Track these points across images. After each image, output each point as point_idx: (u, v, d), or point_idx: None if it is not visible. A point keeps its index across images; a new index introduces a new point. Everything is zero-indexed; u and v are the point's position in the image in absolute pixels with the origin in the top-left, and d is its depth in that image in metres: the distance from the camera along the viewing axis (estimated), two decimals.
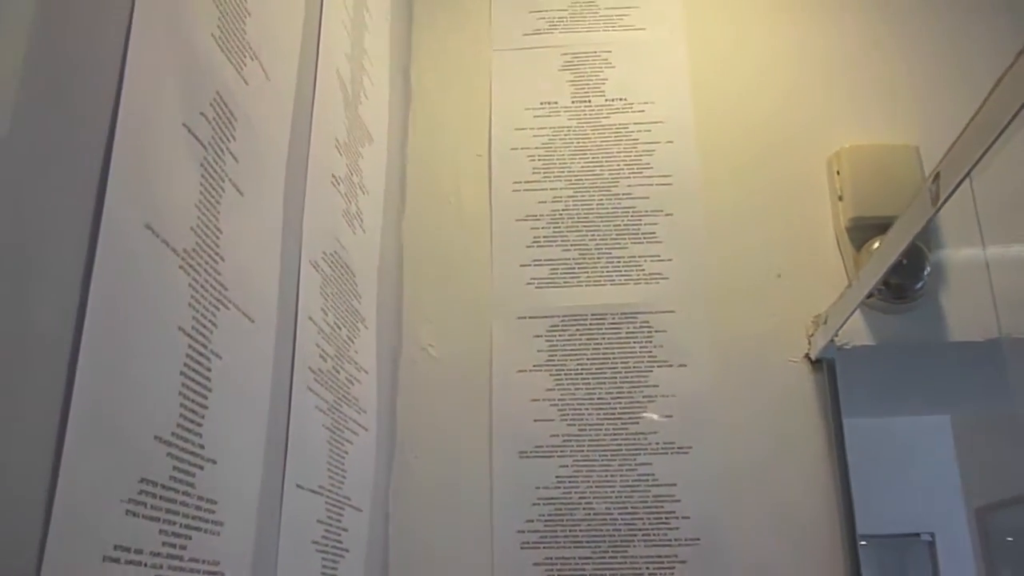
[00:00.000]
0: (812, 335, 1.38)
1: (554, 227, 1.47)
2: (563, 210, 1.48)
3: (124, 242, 0.58)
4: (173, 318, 0.65)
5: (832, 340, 1.32)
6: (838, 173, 1.46)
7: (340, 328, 1.10)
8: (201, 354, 0.69)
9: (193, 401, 0.67)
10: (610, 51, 1.58)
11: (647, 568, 1.31)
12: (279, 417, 0.88)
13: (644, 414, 1.37)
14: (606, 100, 1.55)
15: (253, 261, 0.82)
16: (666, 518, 1.33)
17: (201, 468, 0.68)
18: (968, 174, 0.75)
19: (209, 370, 0.70)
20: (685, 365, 1.40)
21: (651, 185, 1.49)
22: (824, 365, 1.38)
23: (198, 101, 0.71)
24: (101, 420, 0.55)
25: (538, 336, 1.42)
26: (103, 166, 0.57)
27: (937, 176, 0.81)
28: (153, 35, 0.64)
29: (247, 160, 0.81)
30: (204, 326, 0.70)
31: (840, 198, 1.44)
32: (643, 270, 1.44)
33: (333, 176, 1.09)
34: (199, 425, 0.68)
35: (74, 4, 0.56)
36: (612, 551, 1.32)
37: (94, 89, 0.57)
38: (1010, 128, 0.68)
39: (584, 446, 1.37)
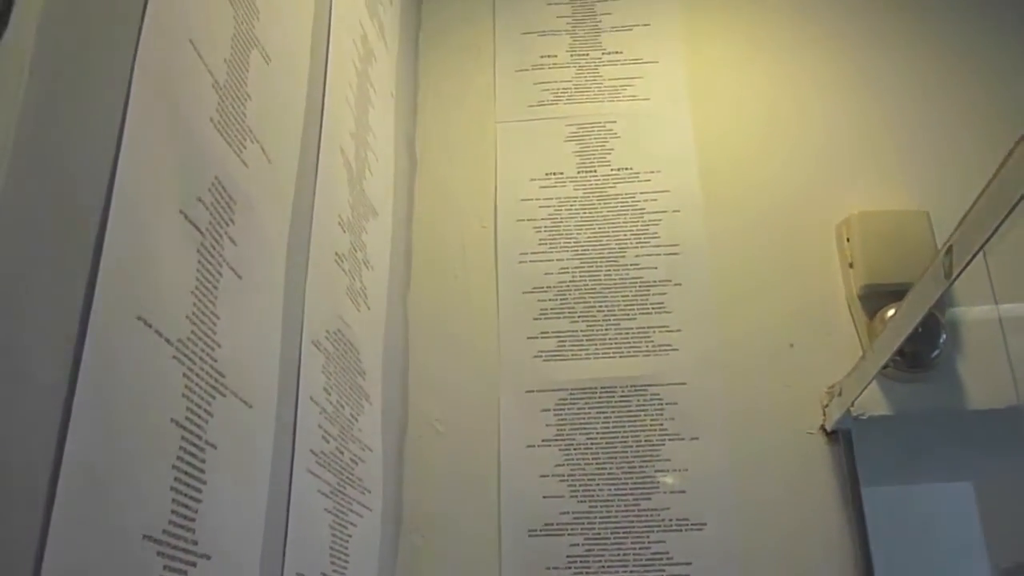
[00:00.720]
0: (827, 406, 1.35)
1: (561, 299, 1.46)
2: (570, 281, 1.47)
3: (114, 335, 0.57)
4: (165, 410, 0.63)
5: (848, 411, 1.29)
6: (848, 240, 1.44)
7: (344, 407, 1.08)
8: (195, 445, 0.67)
9: (185, 495, 0.65)
10: (615, 121, 1.58)
11: None
12: (279, 504, 0.86)
13: (661, 478, 1.34)
14: (612, 170, 1.54)
15: (252, 345, 0.81)
16: None
17: (194, 565, 0.65)
18: (982, 248, 0.74)
19: (203, 461, 0.68)
20: (698, 438, 1.36)
21: (659, 255, 1.47)
22: (840, 436, 1.35)
23: (196, 187, 0.70)
24: (85, 521, 0.52)
25: (546, 410, 1.40)
26: (94, 257, 0.56)
27: (950, 249, 0.79)
28: (149, 122, 0.63)
29: (246, 243, 0.80)
30: (199, 416, 0.68)
31: (851, 265, 1.43)
32: (652, 341, 1.42)
33: (336, 254, 1.08)
34: (191, 520, 0.65)
35: (67, 87, 0.55)
36: None
37: (86, 179, 0.57)
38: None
39: (595, 523, 1.33)
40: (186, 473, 0.65)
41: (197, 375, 0.68)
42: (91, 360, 0.54)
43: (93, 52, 0.58)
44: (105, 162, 0.58)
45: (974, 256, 0.75)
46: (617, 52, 1.64)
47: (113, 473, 0.55)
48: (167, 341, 0.63)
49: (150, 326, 0.61)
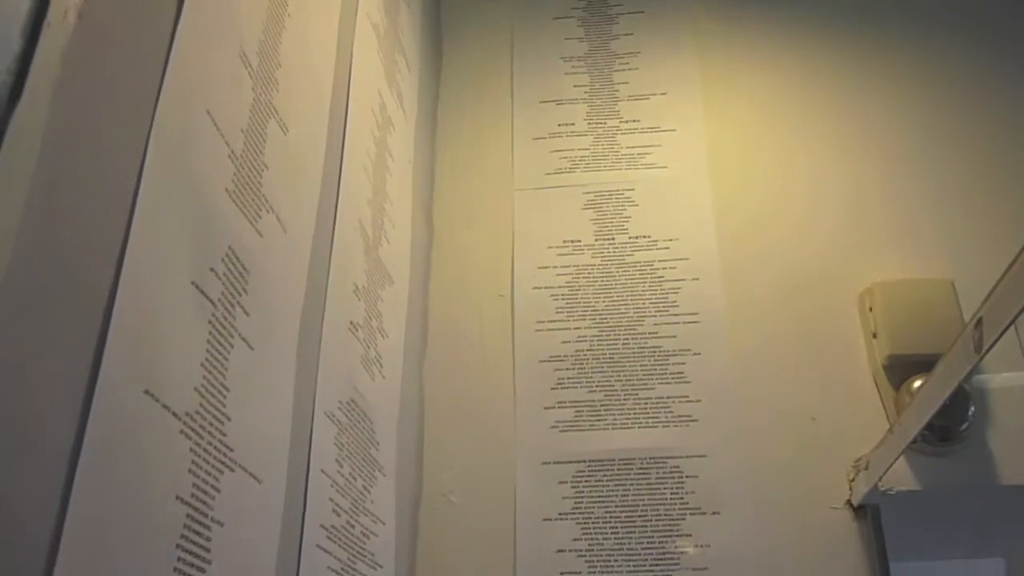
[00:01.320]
0: (853, 480, 1.31)
1: (579, 368, 1.44)
2: (588, 350, 1.45)
3: (120, 411, 0.55)
4: (170, 487, 0.61)
5: (876, 486, 1.25)
6: (871, 309, 1.42)
7: (356, 479, 1.05)
8: (201, 523, 0.65)
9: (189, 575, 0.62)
10: (633, 189, 1.58)
11: None
12: None
13: (683, 554, 1.29)
14: (630, 238, 1.53)
15: (263, 417, 0.79)
16: None
17: None
18: (1013, 321, 0.71)
19: (209, 540, 0.66)
20: (719, 513, 1.32)
21: (678, 323, 1.45)
22: (868, 511, 1.31)
23: (209, 257, 0.69)
24: None
25: (563, 482, 1.36)
26: (101, 330, 0.55)
27: (980, 322, 0.77)
28: (163, 192, 0.63)
29: (259, 313, 0.78)
30: (205, 492, 0.66)
31: (874, 335, 1.40)
32: (672, 412, 1.39)
33: (351, 322, 1.07)
34: None
35: (80, 156, 0.55)
36: None
37: (96, 249, 0.56)
38: None
39: None
40: (190, 552, 0.63)
41: (205, 450, 0.66)
42: (95, 435, 0.52)
43: (108, 121, 0.58)
44: (117, 232, 0.58)
45: (1005, 329, 0.73)
46: (635, 120, 1.64)
47: (114, 552, 0.53)
48: (174, 415, 0.62)
49: (157, 400, 0.59)
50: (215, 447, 0.68)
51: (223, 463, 0.69)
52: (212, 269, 0.70)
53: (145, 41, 0.63)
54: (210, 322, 0.69)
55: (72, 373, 0.52)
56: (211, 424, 0.67)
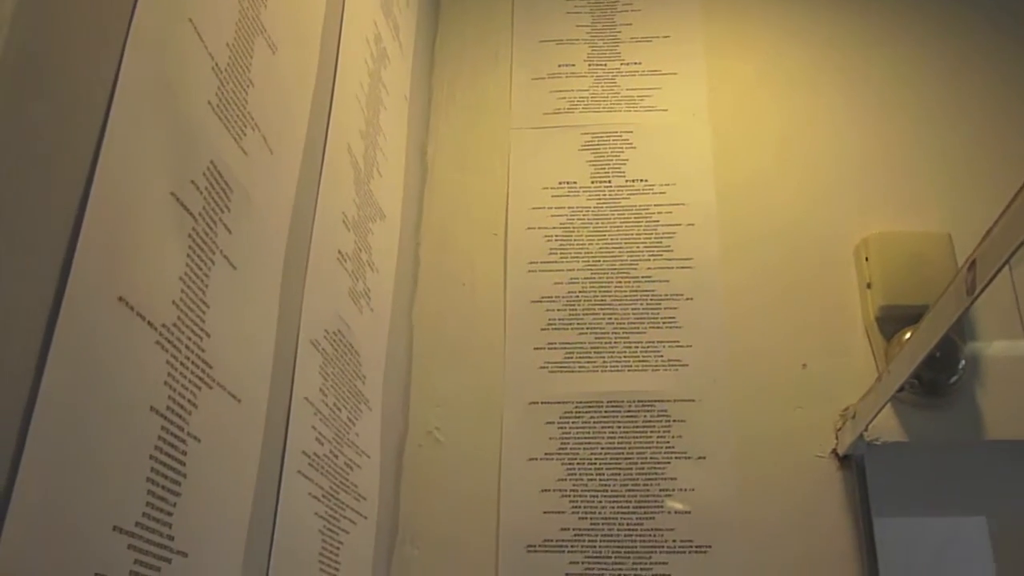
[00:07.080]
0: (840, 429, 1.31)
1: (570, 309, 1.43)
2: (580, 292, 1.44)
3: (91, 315, 0.54)
4: (144, 397, 0.60)
5: (862, 435, 1.25)
6: (866, 260, 1.41)
7: (340, 410, 1.05)
8: (176, 436, 0.64)
9: (163, 488, 0.62)
10: (631, 132, 1.56)
11: None
12: (266, 504, 0.83)
13: (666, 498, 1.30)
14: (626, 181, 1.52)
15: (244, 338, 0.78)
16: None
17: (168, 561, 0.62)
18: (1007, 261, 0.70)
19: (184, 453, 0.65)
20: (704, 457, 1.33)
21: (671, 268, 1.44)
22: (853, 462, 1.31)
23: (189, 170, 0.68)
24: (50, 507, 0.50)
25: (550, 423, 1.36)
26: (72, 233, 0.53)
27: (973, 264, 0.76)
28: (140, 99, 0.61)
29: (242, 233, 0.77)
30: (181, 406, 0.65)
31: (869, 286, 1.39)
32: (662, 356, 1.38)
33: (339, 252, 1.06)
34: (168, 515, 0.62)
35: (51, 52, 0.53)
36: None
37: (67, 150, 0.54)
38: None
39: (596, 542, 1.29)
40: (164, 464, 0.62)
41: (182, 364, 0.65)
42: (63, 338, 0.51)
43: (82, 23, 0.56)
44: (90, 137, 0.56)
45: (999, 270, 0.71)
46: (636, 63, 1.62)
47: (82, 458, 0.53)
48: (150, 324, 0.61)
49: (132, 308, 0.58)
50: (193, 362, 0.67)
51: (201, 379, 0.68)
52: (193, 182, 0.68)
53: None
54: (190, 236, 0.68)
55: (40, 273, 0.51)
56: (189, 339, 0.67)
